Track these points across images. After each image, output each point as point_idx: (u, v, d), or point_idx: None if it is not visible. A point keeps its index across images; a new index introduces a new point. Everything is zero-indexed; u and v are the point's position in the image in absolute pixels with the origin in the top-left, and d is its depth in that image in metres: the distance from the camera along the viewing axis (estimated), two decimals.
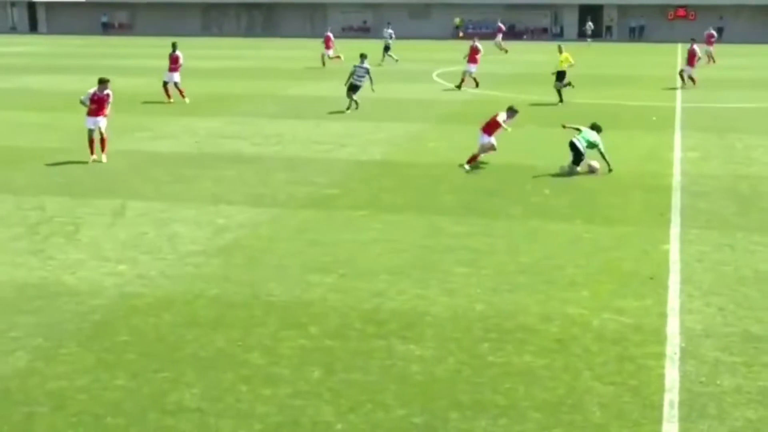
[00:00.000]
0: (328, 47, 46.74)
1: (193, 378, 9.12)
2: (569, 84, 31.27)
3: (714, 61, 49.56)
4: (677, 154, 21.66)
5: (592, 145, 19.27)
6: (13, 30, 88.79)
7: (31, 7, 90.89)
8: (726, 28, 76.00)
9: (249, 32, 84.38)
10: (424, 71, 43.34)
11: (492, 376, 9.19)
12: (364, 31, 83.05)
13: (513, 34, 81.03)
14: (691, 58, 36.75)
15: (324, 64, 45.77)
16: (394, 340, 10.10)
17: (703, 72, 44.67)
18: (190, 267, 12.71)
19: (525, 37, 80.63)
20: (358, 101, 28.72)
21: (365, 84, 28.75)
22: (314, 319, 10.71)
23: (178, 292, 11.65)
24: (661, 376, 9.17)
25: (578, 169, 19.20)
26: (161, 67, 32.59)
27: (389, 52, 48.39)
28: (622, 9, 79.52)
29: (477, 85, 35.40)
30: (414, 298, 11.47)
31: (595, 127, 19.76)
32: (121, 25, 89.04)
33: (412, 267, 12.70)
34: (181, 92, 30.74)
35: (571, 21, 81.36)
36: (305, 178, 18.69)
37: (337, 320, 10.70)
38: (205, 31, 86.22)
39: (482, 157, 20.05)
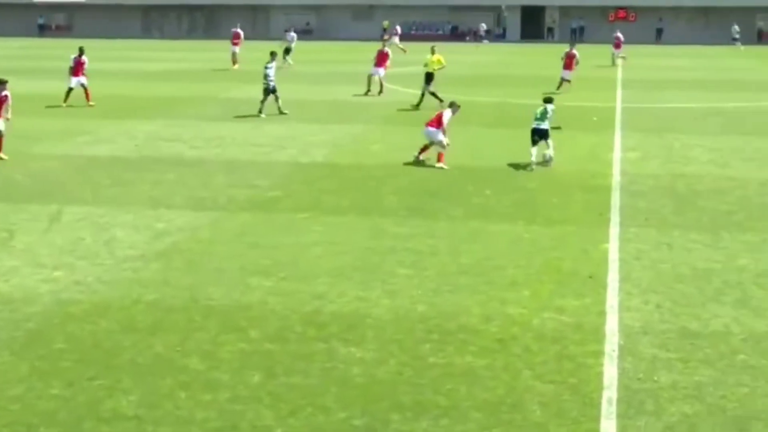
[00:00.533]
0: (235, 44, 45.77)
1: (130, 385, 8.96)
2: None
3: (624, 59, 49.54)
4: (617, 154, 21.91)
5: (545, 115, 20.38)
6: None
7: None
8: (665, 29, 77.33)
9: (191, 34, 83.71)
10: (366, 73, 43.26)
11: (433, 377, 9.18)
12: (307, 33, 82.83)
13: (456, 35, 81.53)
14: (569, 62, 35.27)
15: (234, 63, 45.14)
16: (335, 343, 10.04)
17: (641, 73, 45.33)
18: (128, 272, 12.52)
19: (468, 38, 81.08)
20: (280, 106, 28.04)
21: (274, 84, 28.12)
22: (254, 323, 10.61)
23: (115, 298, 11.47)
24: (600, 374, 9.24)
25: (534, 157, 19.90)
26: (100, 69, 32.12)
27: (289, 56, 46.58)
28: (564, 10, 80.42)
29: (381, 90, 33.56)
30: (355, 300, 11.43)
31: (548, 100, 21.07)
32: (58, 27, 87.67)
33: (354, 269, 12.65)
34: (87, 94, 30.14)
35: (513, 22, 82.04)
36: (246, 180, 18.54)
37: (277, 323, 10.61)
38: (146, 33, 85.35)
39: (427, 155, 20.27)
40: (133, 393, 8.78)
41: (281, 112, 27.96)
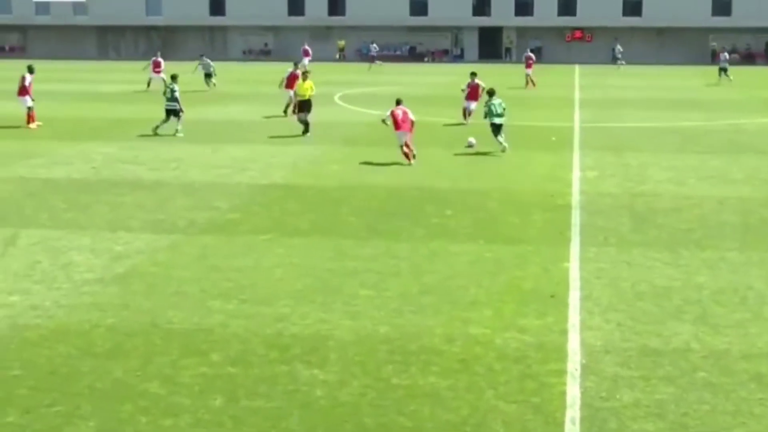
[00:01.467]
0: (156, 71, 45.16)
1: (89, 411, 8.80)
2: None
3: (534, 85, 48.26)
4: (576, 173, 22.07)
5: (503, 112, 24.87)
6: None
7: None
8: (621, 49, 78.30)
9: (147, 55, 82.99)
10: (325, 94, 43.30)
11: (396, 399, 9.13)
12: (265, 54, 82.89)
13: (414, 56, 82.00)
14: (473, 93, 31.91)
15: (149, 85, 44.69)
16: (298, 365, 9.96)
17: (598, 93, 45.82)
18: (86, 296, 12.34)
19: (426, 59, 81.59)
20: (179, 128, 28.33)
21: (178, 106, 28.34)
22: (215, 346, 10.49)
23: (73, 323, 11.28)
24: (563, 393, 9.24)
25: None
26: (55, 90, 31.82)
27: (213, 79, 46.15)
28: (521, 31, 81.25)
29: (286, 111, 33.09)
30: (317, 322, 11.35)
31: (492, 92, 25.56)
32: (12, 48, 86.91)
33: (315, 291, 12.58)
34: (30, 118, 30.06)
35: (471, 43, 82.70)
36: (205, 202, 18.40)
37: (238, 346, 10.50)
38: (102, 54, 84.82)
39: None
40: (92, 419, 8.62)
41: (155, 133, 28.19)
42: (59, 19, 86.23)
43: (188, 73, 45.82)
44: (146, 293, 12.47)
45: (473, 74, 32.08)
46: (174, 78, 29.02)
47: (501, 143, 24.90)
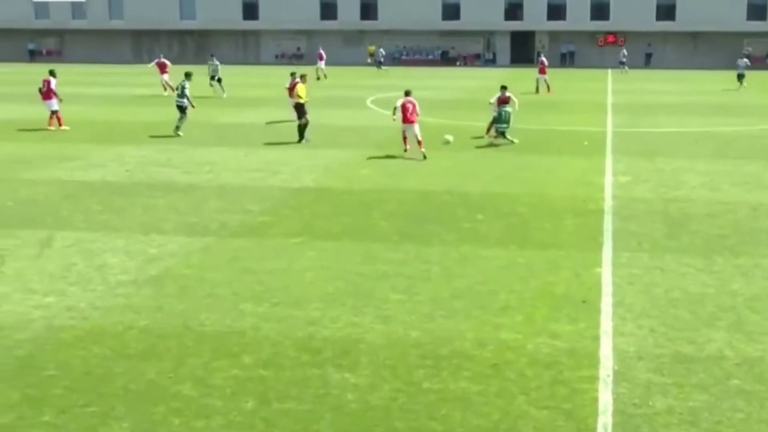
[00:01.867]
0: (163, 72, 45.21)
1: (122, 412, 8.90)
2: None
3: (538, 92, 47.29)
4: (608, 178, 21.95)
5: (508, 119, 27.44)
6: None
7: None
8: (654, 54, 77.91)
9: (181, 59, 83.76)
10: (357, 98, 43.47)
11: (427, 403, 9.14)
12: (297, 58, 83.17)
13: (446, 60, 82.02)
14: (503, 104, 30.15)
15: (165, 89, 44.34)
16: (329, 369, 10.00)
17: (631, 97, 45.52)
18: (120, 298, 12.46)
19: (458, 63, 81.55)
20: (180, 126, 29.03)
21: (186, 103, 29.07)
22: (247, 349, 10.56)
23: (107, 324, 11.40)
24: (595, 400, 9.21)
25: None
26: (91, 94, 32.15)
27: (221, 83, 45.09)
28: (553, 35, 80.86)
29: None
30: (348, 325, 11.39)
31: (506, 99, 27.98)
32: (49, 52, 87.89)
33: (347, 294, 12.62)
34: (59, 120, 30.64)
35: (503, 47, 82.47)
36: (238, 205, 18.51)
37: (270, 349, 10.56)
38: (137, 58, 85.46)
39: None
40: (126, 420, 8.71)
41: (176, 133, 28.82)
42: (95, 24, 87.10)
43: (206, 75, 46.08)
44: (179, 295, 12.57)
45: (503, 87, 31.57)
46: (188, 76, 29.72)
47: (508, 140, 27.52)
